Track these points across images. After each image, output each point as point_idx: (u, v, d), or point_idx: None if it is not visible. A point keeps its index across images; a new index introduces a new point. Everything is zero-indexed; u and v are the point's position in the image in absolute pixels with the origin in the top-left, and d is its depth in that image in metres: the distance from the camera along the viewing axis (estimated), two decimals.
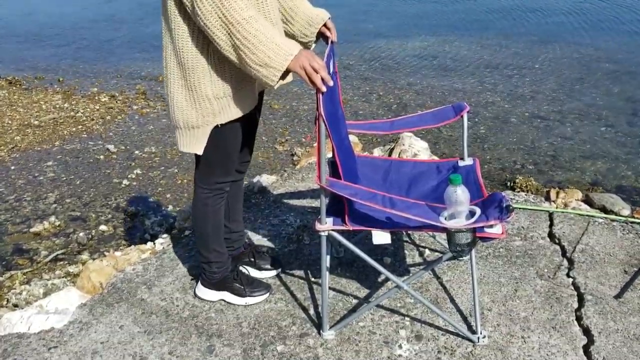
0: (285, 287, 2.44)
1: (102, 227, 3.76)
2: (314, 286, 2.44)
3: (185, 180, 4.39)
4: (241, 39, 1.71)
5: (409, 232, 2.68)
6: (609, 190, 3.82)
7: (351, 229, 1.98)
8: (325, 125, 1.82)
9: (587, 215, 2.89)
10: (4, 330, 2.27)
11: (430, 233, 2.60)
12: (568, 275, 2.45)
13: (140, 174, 4.57)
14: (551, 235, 2.74)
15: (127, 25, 9.87)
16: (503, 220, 1.80)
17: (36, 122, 5.74)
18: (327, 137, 1.85)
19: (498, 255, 2.59)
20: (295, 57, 1.73)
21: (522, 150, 4.67)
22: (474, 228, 1.79)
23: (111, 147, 5.07)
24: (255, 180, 3.42)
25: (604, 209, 2.99)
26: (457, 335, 2.13)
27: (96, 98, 6.43)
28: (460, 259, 2.49)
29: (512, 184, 3.92)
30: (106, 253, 3.16)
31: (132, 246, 3.01)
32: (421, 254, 2.62)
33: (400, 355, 2.06)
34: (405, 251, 2.63)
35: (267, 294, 2.37)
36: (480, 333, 2.09)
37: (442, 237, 2.46)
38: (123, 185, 4.36)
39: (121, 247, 3.33)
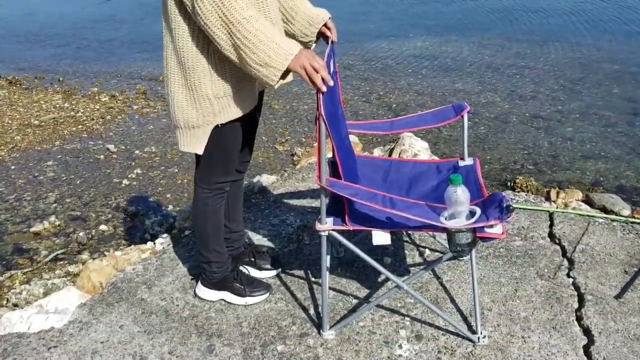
0: (286, 287, 2.44)
1: (102, 227, 3.76)
2: (314, 286, 2.44)
3: (185, 180, 4.39)
4: (241, 39, 1.71)
5: (409, 232, 2.68)
6: (609, 191, 3.82)
7: (351, 229, 1.98)
8: (326, 125, 1.82)
9: (587, 216, 2.89)
10: (4, 330, 2.27)
11: (431, 233, 2.60)
12: (568, 276, 2.45)
13: (141, 173, 4.57)
14: (551, 236, 2.74)
15: (127, 25, 9.87)
16: (503, 220, 1.80)
17: (36, 122, 5.74)
18: (327, 137, 1.84)
19: (498, 255, 2.59)
20: (295, 57, 1.72)
21: (522, 150, 4.67)
22: (474, 228, 1.79)
23: (111, 146, 5.07)
24: (255, 180, 3.42)
25: (604, 209, 2.99)
26: (457, 335, 2.13)
27: (96, 98, 6.43)
28: (461, 259, 2.49)
29: (512, 184, 3.92)
30: (106, 253, 3.16)
31: (132, 246, 3.01)
32: (421, 254, 2.61)
33: (400, 355, 2.06)
34: (406, 251, 2.63)
35: (267, 294, 2.37)
36: (481, 333, 2.09)
37: (442, 237, 2.46)
38: (123, 185, 4.36)
39: (121, 247, 3.33)
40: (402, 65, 7.06)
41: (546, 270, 2.48)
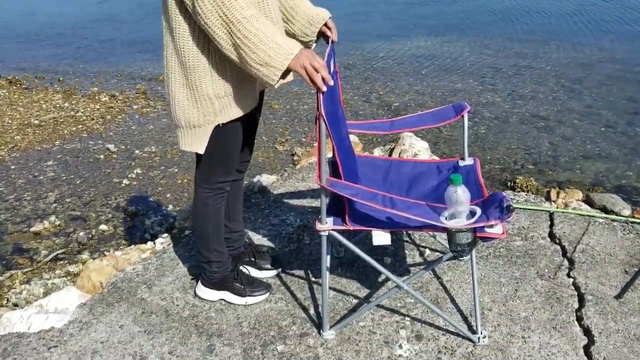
0: (286, 287, 2.44)
1: (102, 227, 3.76)
2: (314, 286, 2.43)
3: (185, 180, 4.39)
4: (242, 38, 1.70)
5: (409, 232, 2.68)
6: (609, 190, 3.82)
7: (351, 228, 1.98)
8: (326, 125, 1.81)
9: (587, 216, 2.89)
10: (4, 330, 2.27)
11: (431, 233, 2.60)
12: (568, 276, 2.45)
13: (141, 173, 4.57)
14: (552, 235, 2.74)
15: (127, 25, 9.87)
16: (503, 220, 1.80)
17: (36, 122, 5.74)
18: (327, 136, 1.84)
19: (498, 255, 2.59)
20: (295, 57, 1.72)
21: (522, 150, 4.67)
22: (474, 228, 1.79)
23: (111, 146, 5.07)
24: (255, 180, 3.41)
25: (604, 209, 2.98)
26: (458, 335, 2.13)
27: (96, 97, 6.43)
28: (461, 259, 2.49)
29: (512, 184, 3.92)
30: (106, 252, 3.16)
31: (132, 246, 3.01)
32: (421, 254, 2.61)
33: (400, 355, 2.06)
34: (406, 251, 2.63)
35: (267, 294, 2.37)
36: (481, 333, 2.09)
37: (442, 237, 2.46)
38: (123, 185, 4.36)
39: (121, 247, 3.33)
40: (403, 65, 7.06)
41: (546, 270, 2.48)
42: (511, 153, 4.61)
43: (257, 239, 2.80)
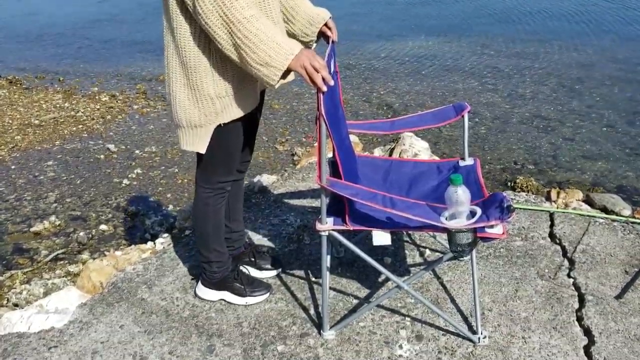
0: (286, 287, 2.44)
1: (103, 227, 3.76)
2: (315, 286, 2.43)
3: (185, 180, 4.39)
4: (242, 38, 1.70)
5: (410, 232, 2.68)
6: (609, 191, 3.82)
7: (352, 229, 1.98)
8: (326, 125, 1.81)
9: (587, 216, 2.89)
10: (4, 330, 2.27)
11: (431, 233, 2.60)
12: (569, 276, 2.45)
13: (141, 173, 4.57)
14: (552, 236, 2.74)
15: (127, 25, 9.88)
16: (504, 221, 1.80)
17: (36, 122, 5.74)
18: (327, 137, 1.84)
19: (499, 255, 2.59)
20: (296, 57, 1.72)
21: (522, 150, 4.66)
22: (474, 228, 1.79)
23: (111, 146, 5.07)
24: (255, 180, 3.41)
25: (604, 209, 2.98)
26: (458, 335, 2.13)
27: (96, 97, 6.43)
28: (461, 259, 2.49)
29: (512, 184, 3.92)
30: (106, 252, 3.16)
31: (133, 246, 3.01)
32: (422, 254, 2.61)
33: (400, 356, 2.06)
34: (406, 251, 2.63)
35: (268, 294, 2.37)
36: (481, 333, 2.09)
37: (442, 237, 2.45)
38: (123, 185, 4.36)
39: (121, 247, 3.33)
40: (403, 65, 7.06)
41: (547, 271, 2.48)
42: (511, 153, 4.61)
43: (257, 239, 2.80)
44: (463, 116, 2.27)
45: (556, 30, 8.12)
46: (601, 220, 2.85)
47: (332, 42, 2.09)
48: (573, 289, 2.37)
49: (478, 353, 2.05)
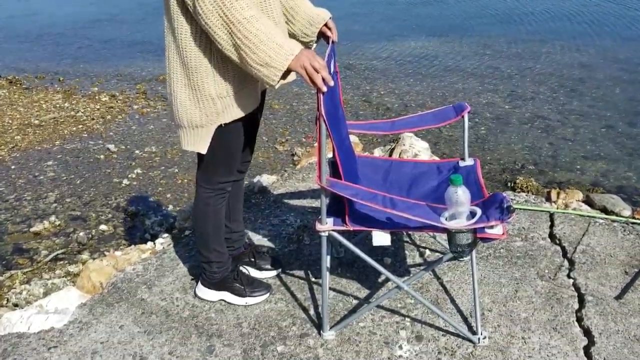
0: (286, 288, 2.44)
1: (102, 227, 3.76)
2: (314, 286, 2.43)
3: (185, 180, 4.39)
4: (242, 39, 1.70)
5: (410, 232, 2.67)
6: (609, 191, 3.81)
7: (351, 229, 1.98)
8: (326, 125, 1.81)
9: (587, 216, 2.89)
10: (4, 330, 2.27)
11: (431, 233, 2.60)
12: (569, 276, 2.44)
13: (141, 173, 4.57)
14: (552, 236, 2.74)
15: (127, 25, 9.88)
16: (504, 221, 1.79)
17: (36, 122, 5.74)
18: (327, 137, 1.84)
19: (498, 255, 2.59)
20: (296, 57, 1.72)
21: (522, 150, 4.66)
22: (474, 229, 1.79)
23: (111, 146, 5.07)
24: (255, 180, 3.41)
25: (604, 210, 2.98)
26: (458, 336, 2.13)
27: (96, 97, 6.43)
28: (461, 259, 2.49)
29: (512, 185, 3.91)
30: (106, 253, 3.16)
31: (132, 246, 3.01)
32: (421, 255, 2.61)
33: (400, 356, 2.06)
34: (406, 251, 2.63)
35: (267, 294, 2.37)
36: (481, 334, 2.09)
37: (442, 238, 2.45)
38: (123, 185, 4.36)
39: (121, 247, 3.33)
40: (403, 65, 7.06)
41: (547, 271, 2.48)
42: (511, 153, 4.61)
43: (257, 239, 2.80)
44: (463, 116, 2.27)
45: (557, 30, 8.12)
46: (601, 221, 2.85)
47: (332, 42, 2.09)
48: (573, 289, 2.36)
49: (478, 353, 2.05)
